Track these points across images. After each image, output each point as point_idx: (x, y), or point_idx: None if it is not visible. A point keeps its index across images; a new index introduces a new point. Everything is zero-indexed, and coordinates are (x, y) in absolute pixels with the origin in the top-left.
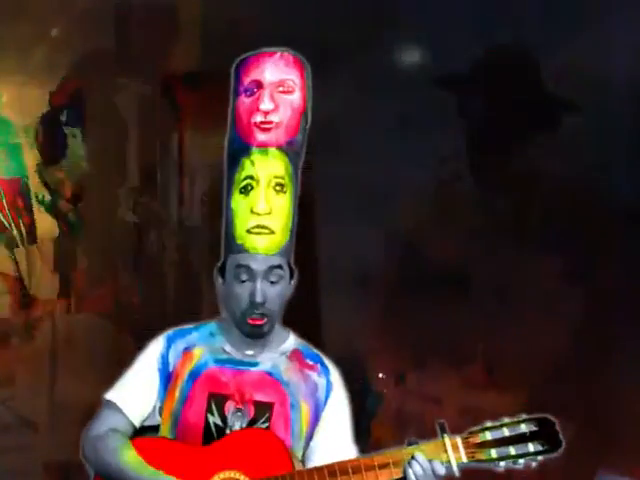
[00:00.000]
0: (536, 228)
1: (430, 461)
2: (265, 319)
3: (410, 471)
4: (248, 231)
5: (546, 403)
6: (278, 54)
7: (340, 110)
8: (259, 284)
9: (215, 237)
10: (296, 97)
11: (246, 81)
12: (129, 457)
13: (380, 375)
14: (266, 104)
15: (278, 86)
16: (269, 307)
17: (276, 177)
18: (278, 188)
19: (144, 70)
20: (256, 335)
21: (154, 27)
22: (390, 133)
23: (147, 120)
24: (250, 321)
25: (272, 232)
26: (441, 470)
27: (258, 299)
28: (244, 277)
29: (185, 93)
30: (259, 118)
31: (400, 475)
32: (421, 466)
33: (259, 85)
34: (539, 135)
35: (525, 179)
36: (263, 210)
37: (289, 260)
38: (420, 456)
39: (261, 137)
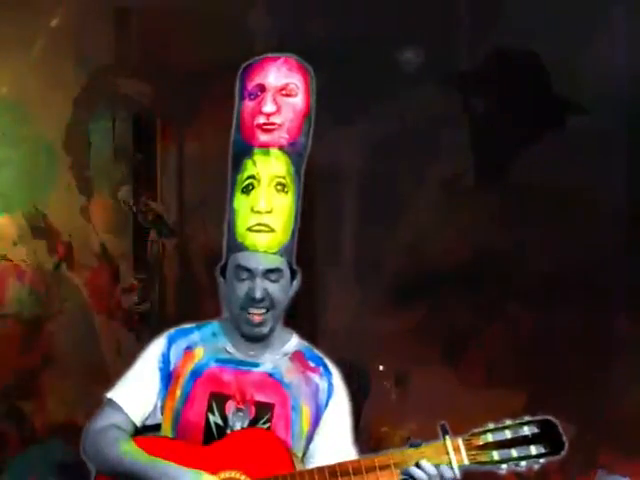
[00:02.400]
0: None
1: (437, 467)
2: (264, 316)
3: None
4: (249, 229)
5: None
6: (282, 59)
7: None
8: (258, 281)
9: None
10: (299, 100)
11: (250, 85)
12: (128, 447)
13: (380, 367)
14: (268, 106)
15: (281, 89)
16: (268, 305)
17: (277, 177)
18: (279, 187)
19: (144, 68)
20: (255, 337)
21: (155, 24)
22: (393, 131)
23: (148, 119)
24: (249, 316)
25: (272, 230)
26: (449, 474)
27: (257, 295)
28: (244, 276)
29: (187, 93)
30: (262, 120)
31: (401, 476)
32: (426, 472)
33: (262, 89)
34: (544, 135)
35: (528, 178)
36: (264, 208)
37: (290, 260)
38: (426, 464)
39: (263, 138)
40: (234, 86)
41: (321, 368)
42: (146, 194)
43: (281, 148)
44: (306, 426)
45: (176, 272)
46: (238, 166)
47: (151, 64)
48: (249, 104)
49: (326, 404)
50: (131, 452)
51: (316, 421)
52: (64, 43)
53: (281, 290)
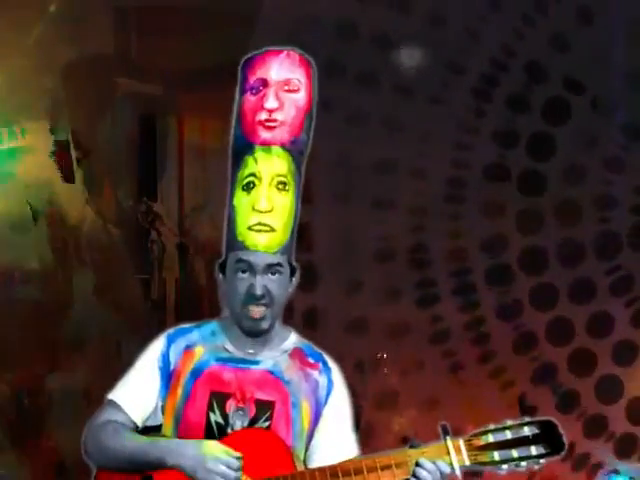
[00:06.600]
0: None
1: (434, 462)
2: (264, 311)
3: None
4: (249, 228)
5: None
6: (284, 53)
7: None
8: (259, 278)
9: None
10: (301, 96)
11: (252, 79)
12: (128, 434)
13: (379, 355)
14: (271, 102)
15: (284, 85)
16: (268, 301)
17: (279, 175)
18: (280, 186)
19: (143, 67)
20: (255, 332)
21: (153, 23)
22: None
23: (147, 119)
24: (250, 313)
25: (273, 230)
26: (446, 469)
27: (257, 292)
28: (244, 268)
29: (186, 91)
30: (263, 116)
31: (402, 477)
32: (427, 470)
33: (264, 83)
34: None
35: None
36: (264, 208)
37: (290, 258)
38: (425, 461)
39: (265, 135)
40: (235, 84)
41: (320, 364)
42: (146, 194)
43: (283, 146)
44: (306, 423)
45: (176, 272)
46: (239, 163)
47: (152, 62)
48: (250, 98)
49: (326, 400)
50: (132, 437)
51: (316, 417)
52: (62, 28)
53: (280, 287)
